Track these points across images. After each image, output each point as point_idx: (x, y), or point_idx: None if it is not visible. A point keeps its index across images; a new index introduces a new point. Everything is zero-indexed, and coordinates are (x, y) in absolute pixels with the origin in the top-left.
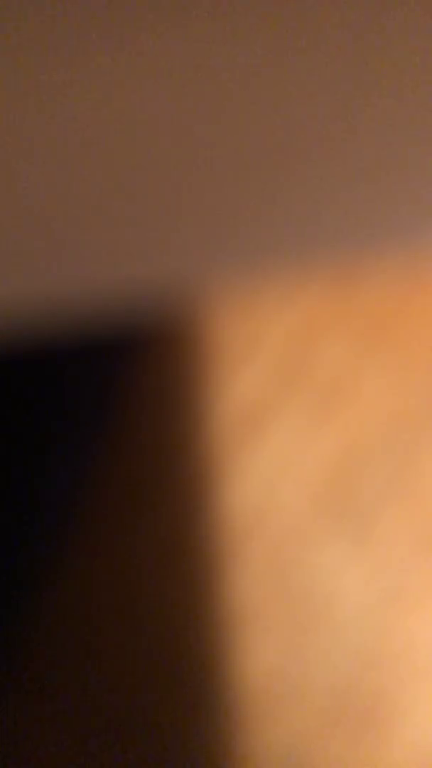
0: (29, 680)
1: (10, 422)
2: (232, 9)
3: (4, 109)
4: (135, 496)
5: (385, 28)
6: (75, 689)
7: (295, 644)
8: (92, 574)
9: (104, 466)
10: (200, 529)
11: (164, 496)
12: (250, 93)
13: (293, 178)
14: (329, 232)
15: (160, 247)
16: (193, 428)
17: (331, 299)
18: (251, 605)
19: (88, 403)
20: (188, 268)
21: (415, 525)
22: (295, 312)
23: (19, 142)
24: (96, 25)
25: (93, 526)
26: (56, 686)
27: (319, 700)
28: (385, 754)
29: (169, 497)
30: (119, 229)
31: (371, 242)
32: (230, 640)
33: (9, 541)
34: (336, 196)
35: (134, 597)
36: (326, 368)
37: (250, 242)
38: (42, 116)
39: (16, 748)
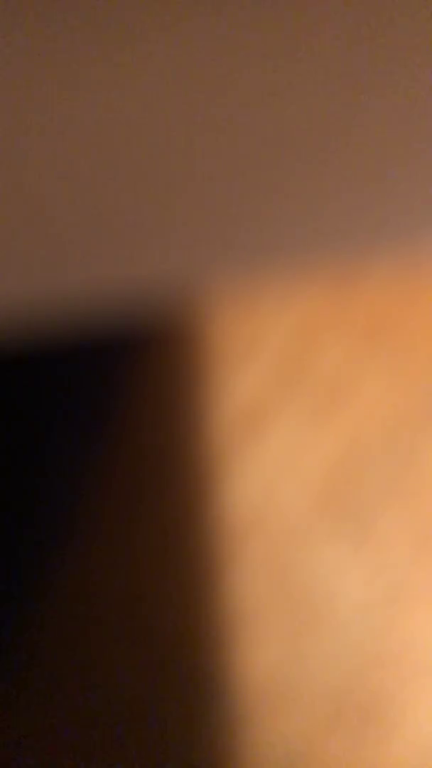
0: (30, 678)
1: (10, 422)
2: (231, 9)
3: (5, 110)
4: (135, 496)
5: (385, 29)
6: (75, 688)
7: (295, 644)
8: (92, 575)
9: (104, 466)
10: (200, 529)
11: (164, 496)
12: (250, 94)
13: (293, 178)
14: (329, 233)
15: (160, 247)
16: (193, 428)
17: (331, 299)
18: (251, 605)
19: (88, 404)
20: (188, 268)
21: (415, 525)
22: (295, 312)
23: (20, 143)
24: (96, 26)
25: (93, 525)
26: (57, 685)
27: (319, 699)
28: (385, 754)
29: (169, 497)
30: (119, 229)
31: (371, 242)
32: (230, 640)
33: (9, 541)
34: (336, 197)
35: (135, 597)
36: (326, 368)
37: (250, 242)
38: (42, 117)
39: (17, 747)
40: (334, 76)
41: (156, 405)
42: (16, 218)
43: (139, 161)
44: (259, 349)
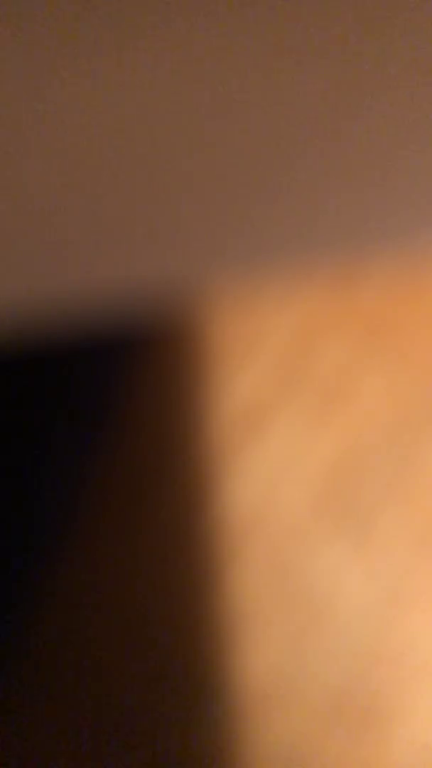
0: (29, 679)
1: (10, 422)
2: (231, 9)
3: (5, 110)
4: (135, 496)
5: (385, 29)
6: (75, 688)
7: (295, 644)
8: (92, 575)
9: (104, 466)
10: (200, 529)
11: (164, 496)
12: (250, 94)
13: (293, 178)
14: (329, 233)
15: (159, 247)
16: (193, 428)
17: (331, 299)
18: (251, 605)
19: (88, 403)
20: (188, 268)
21: (415, 525)
22: (295, 312)
23: (20, 142)
24: (96, 26)
25: (93, 525)
26: (57, 685)
27: (319, 700)
28: (385, 754)
29: (170, 497)
30: (119, 229)
31: (371, 242)
32: (230, 640)
33: (9, 541)
34: (336, 197)
35: (134, 597)
36: (326, 368)
37: (250, 242)
38: (43, 117)
39: (17, 748)
40: (334, 76)
41: (156, 405)
42: (17, 219)
43: (139, 162)
44: (259, 349)
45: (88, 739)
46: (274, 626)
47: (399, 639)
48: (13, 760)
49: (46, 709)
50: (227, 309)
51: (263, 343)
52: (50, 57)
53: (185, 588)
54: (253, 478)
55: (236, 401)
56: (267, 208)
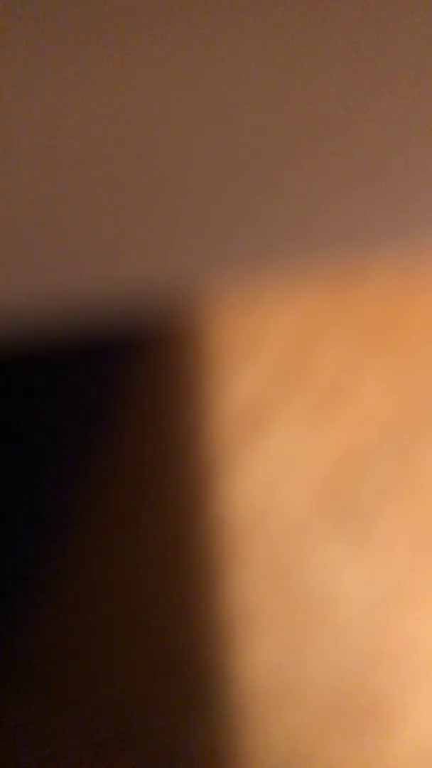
0: (30, 679)
1: (10, 422)
2: (231, 9)
3: (5, 109)
4: (135, 496)
5: (385, 29)
6: (74, 689)
7: (295, 644)
8: (92, 575)
9: (104, 466)
10: (200, 529)
11: (164, 496)
12: (250, 94)
13: (293, 178)
14: (329, 233)
15: (160, 247)
16: (193, 428)
17: (331, 299)
18: (251, 605)
19: (88, 403)
20: (188, 268)
21: (415, 525)
22: (295, 312)
23: (20, 142)
24: (96, 26)
25: (93, 525)
26: (56, 685)
27: (319, 700)
28: (385, 754)
29: (170, 497)
30: (119, 229)
31: (371, 243)
32: (230, 640)
33: (9, 541)
34: (336, 197)
35: (134, 597)
36: (326, 368)
37: (250, 242)
38: (42, 117)
39: (17, 748)
40: (334, 76)
41: (156, 405)
42: (17, 219)
43: (140, 162)
44: (259, 349)
45: (88, 740)
46: (274, 626)
47: (399, 639)
48: (12, 759)
49: (45, 710)
50: (227, 309)
51: (263, 343)
52: (50, 57)
53: (185, 588)
54: (253, 478)
55: (236, 401)
56: (267, 208)
